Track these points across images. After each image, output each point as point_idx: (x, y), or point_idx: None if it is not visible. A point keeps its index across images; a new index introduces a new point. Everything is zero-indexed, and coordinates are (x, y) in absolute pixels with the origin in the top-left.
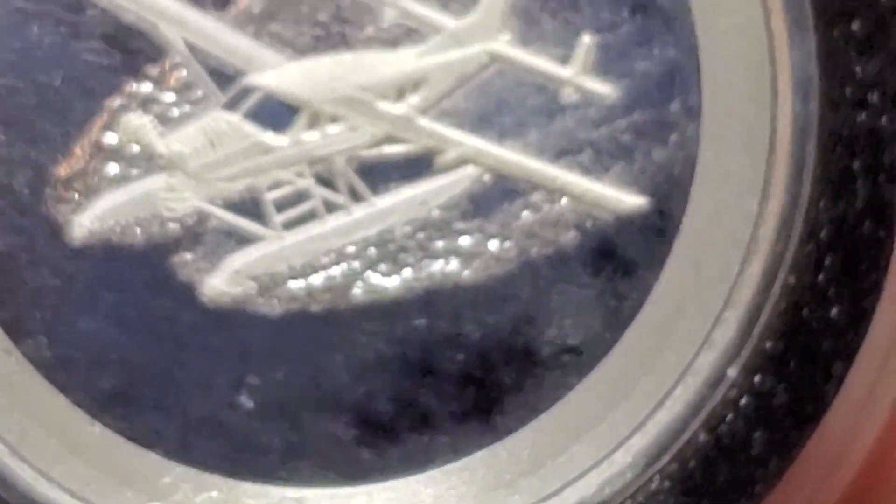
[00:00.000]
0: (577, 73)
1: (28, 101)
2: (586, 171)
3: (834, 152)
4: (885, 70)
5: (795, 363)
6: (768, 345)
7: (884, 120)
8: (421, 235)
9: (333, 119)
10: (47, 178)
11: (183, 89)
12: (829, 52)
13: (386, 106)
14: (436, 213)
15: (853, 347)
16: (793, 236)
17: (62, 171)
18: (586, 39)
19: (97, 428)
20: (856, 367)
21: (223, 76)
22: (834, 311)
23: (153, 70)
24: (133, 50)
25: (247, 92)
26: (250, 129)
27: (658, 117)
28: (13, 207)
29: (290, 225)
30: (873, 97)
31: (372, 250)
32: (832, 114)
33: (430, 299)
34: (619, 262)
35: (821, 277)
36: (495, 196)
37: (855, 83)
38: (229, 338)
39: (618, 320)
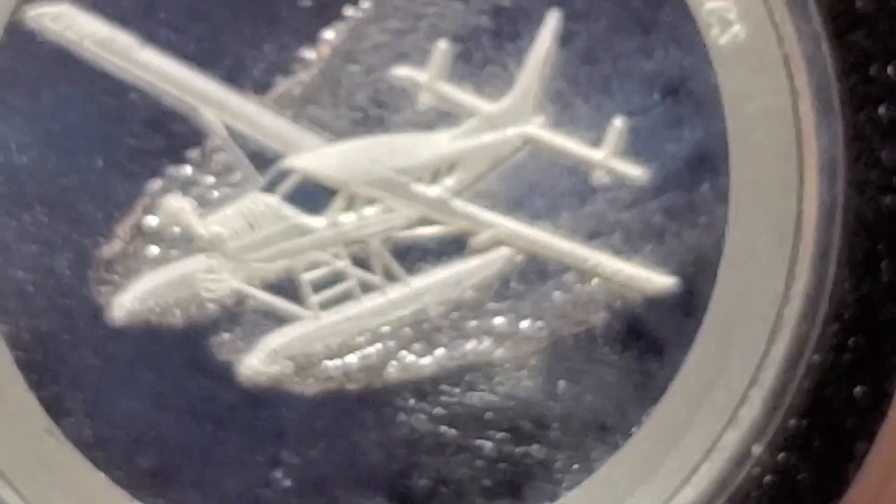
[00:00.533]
0: (609, 156)
1: (70, 184)
2: (617, 251)
3: (859, 235)
4: None
5: (819, 442)
6: (792, 423)
7: None
8: (455, 315)
9: (370, 201)
10: (89, 259)
11: (222, 172)
12: (855, 137)
13: (421, 188)
14: (469, 294)
15: (875, 427)
16: (818, 316)
17: (104, 253)
18: (618, 123)
19: None
20: (877, 447)
21: (262, 159)
22: (857, 391)
23: (193, 153)
24: (174, 133)
25: (285, 174)
26: (288, 210)
27: (687, 199)
28: (55, 289)
29: (326, 305)
30: None
31: (406, 330)
32: (857, 197)
33: (463, 377)
34: (648, 340)
35: (845, 357)
36: (527, 277)
37: (880, 167)
38: (266, 416)
39: (645, 398)
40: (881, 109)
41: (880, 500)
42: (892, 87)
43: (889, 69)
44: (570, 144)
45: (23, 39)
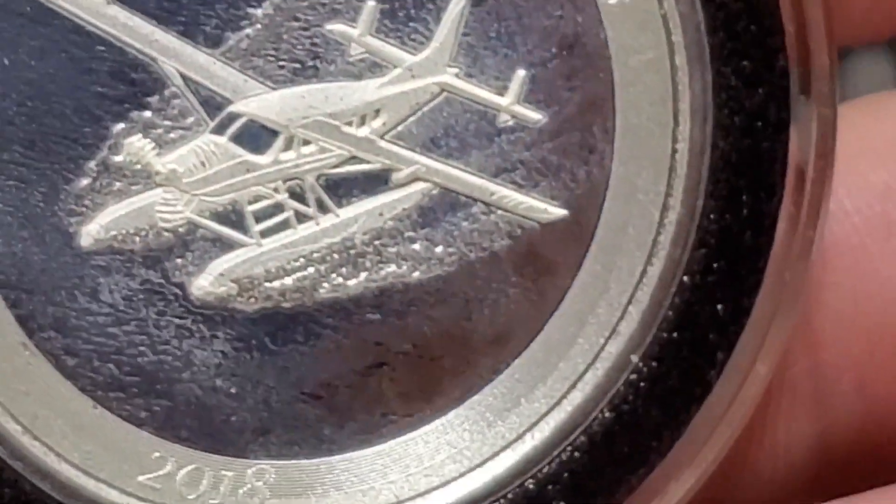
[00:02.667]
0: (513, 102)
1: (44, 126)
2: (518, 186)
3: (724, 172)
4: (768, 102)
5: (687, 352)
6: (664, 336)
7: (765, 145)
8: (377, 242)
9: (306, 142)
10: (60, 193)
11: (178, 116)
12: (722, 86)
13: (351, 130)
14: (390, 224)
15: (734, 339)
16: (688, 243)
17: (74, 187)
18: (521, 73)
19: (98, 410)
20: (735, 356)
21: (213, 105)
22: (720, 308)
23: (153, 99)
24: (136, 82)
25: (233, 118)
26: (236, 150)
27: (579, 140)
28: (29, 219)
29: (266, 234)
30: (757, 125)
31: (335, 255)
32: (723, 139)
33: (384, 297)
34: (543, 263)
35: (710, 279)
36: (441, 208)
37: (744, 113)
38: (212, 331)
39: (540, 313)
40: (745, 63)
41: (734, 406)
42: (755, 43)
43: (752, 27)
44: (479, 92)
45: None
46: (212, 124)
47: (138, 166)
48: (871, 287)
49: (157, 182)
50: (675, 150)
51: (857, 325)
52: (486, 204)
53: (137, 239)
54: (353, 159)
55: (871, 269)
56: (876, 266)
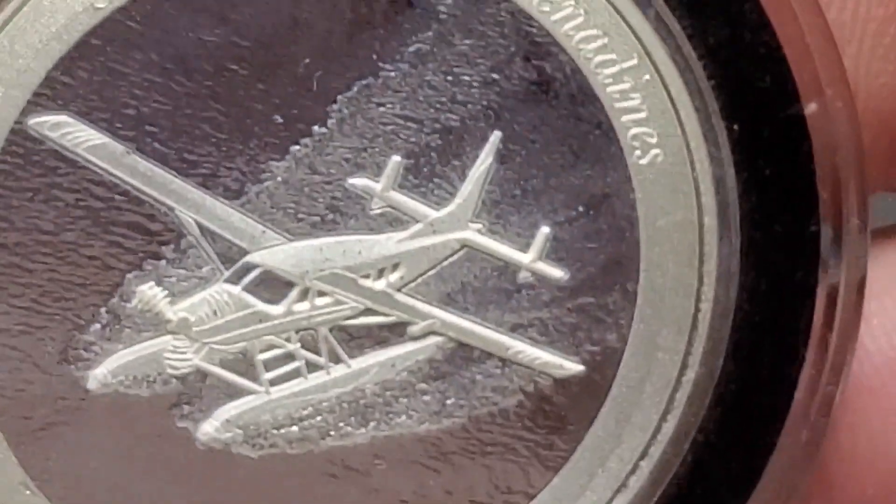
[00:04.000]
0: (534, 259)
1: (60, 274)
2: (534, 342)
3: (747, 335)
4: (797, 267)
5: None
6: (674, 492)
7: (790, 310)
8: (388, 393)
9: (321, 293)
10: (71, 339)
11: (193, 266)
12: (750, 250)
13: (367, 283)
14: (403, 375)
15: (745, 497)
16: (704, 402)
17: (84, 333)
18: (545, 230)
19: None
20: None
21: (229, 255)
22: (733, 467)
23: (168, 248)
24: (152, 231)
25: (248, 268)
26: (249, 300)
27: (599, 300)
28: (38, 365)
29: (276, 382)
30: (784, 289)
31: (345, 405)
32: (748, 302)
33: (390, 447)
34: (555, 417)
35: (724, 438)
36: (455, 362)
37: (770, 278)
38: (217, 475)
39: (548, 466)
40: (776, 227)
41: None
42: (787, 208)
43: (785, 193)
44: (501, 248)
45: (23, 145)
46: (226, 274)
47: (149, 314)
48: (889, 429)
49: (168, 330)
50: (697, 310)
51: (873, 468)
52: (501, 359)
53: (145, 385)
54: (369, 311)
55: (890, 411)
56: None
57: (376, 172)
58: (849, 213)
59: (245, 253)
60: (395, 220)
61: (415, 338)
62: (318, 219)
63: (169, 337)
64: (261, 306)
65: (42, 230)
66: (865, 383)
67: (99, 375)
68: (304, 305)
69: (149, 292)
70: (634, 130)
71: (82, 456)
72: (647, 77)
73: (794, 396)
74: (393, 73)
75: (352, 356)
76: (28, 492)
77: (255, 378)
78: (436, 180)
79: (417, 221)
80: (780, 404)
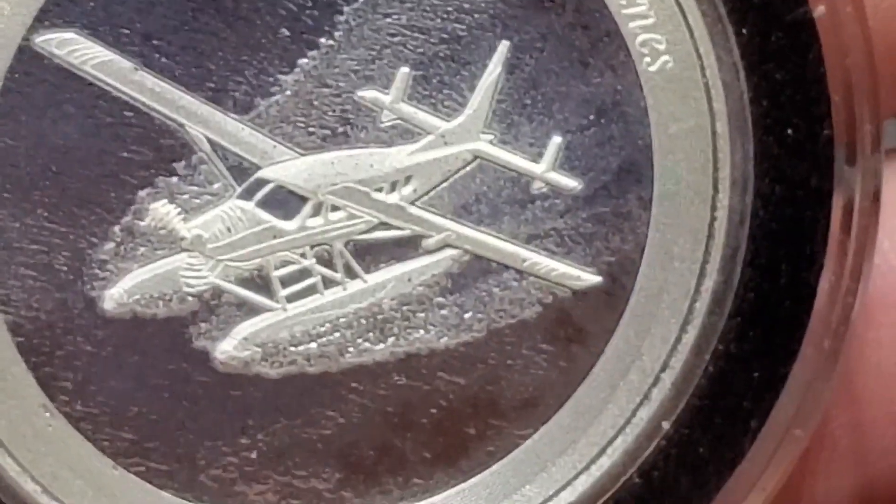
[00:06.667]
0: (547, 169)
1: (70, 191)
2: (551, 253)
3: (763, 241)
4: (811, 172)
5: (719, 419)
6: (697, 403)
7: (807, 215)
8: (405, 308)
9: (335, 207)
10: (84, 258)
11: (205, 182)
12: (764, 155)
13: (381, 196)
14: (419, 289)
15: (769, 407)
16: (724, 311)
17: (98, 252)
18: (556, 140)
19: (118, 471)
20: (769, 424)
21: (241, 170)
22: (754, 376)
23: (180, 165)
24: (163, 147)
25: (261, 184)
26: (262, 215)
27: (615, 208)
28: (53, 283)
29: (292, 299)
30: (799, 194)
31: (362, 321)
32: (764, 208)
33: (410, 363)
34: (574, 330)
35: (745, 347)
36: (471, 274)
37: (785, 182)
38: (236, 395)
39: (570, 380)
40: (788, 132)
41: (768, 471)
42: (800, 112)
43: (797, 96)
44: (513, 159)
45: (31, 62)
46: (239, 190)
47: (163, 231)
48: None
49: (182, 247)
50: (713, 219)
51: None
52: (518, 271)
53: (161, 303)
54: (383, 225)
55: None
56: None
57: (385, 84)
58: (862, 116)
59: (257, 168)
60: (406, 133)
61: (430, 251)
62: (328, 132)
63: (184, 255)
64: (274, 222)
65: (52, 148)
66: (889, 298)
67: (115, 295)
68: (317, 220)
69: (162, 209)
70: (643, 37)
71: (100, 377)
72: None
73: (814, 303)
74: None
75: (367, 271)
76: (48, 414)
77: (271, 295)
78: (445, 91)
79: (428, 133)
80: (800, 312)
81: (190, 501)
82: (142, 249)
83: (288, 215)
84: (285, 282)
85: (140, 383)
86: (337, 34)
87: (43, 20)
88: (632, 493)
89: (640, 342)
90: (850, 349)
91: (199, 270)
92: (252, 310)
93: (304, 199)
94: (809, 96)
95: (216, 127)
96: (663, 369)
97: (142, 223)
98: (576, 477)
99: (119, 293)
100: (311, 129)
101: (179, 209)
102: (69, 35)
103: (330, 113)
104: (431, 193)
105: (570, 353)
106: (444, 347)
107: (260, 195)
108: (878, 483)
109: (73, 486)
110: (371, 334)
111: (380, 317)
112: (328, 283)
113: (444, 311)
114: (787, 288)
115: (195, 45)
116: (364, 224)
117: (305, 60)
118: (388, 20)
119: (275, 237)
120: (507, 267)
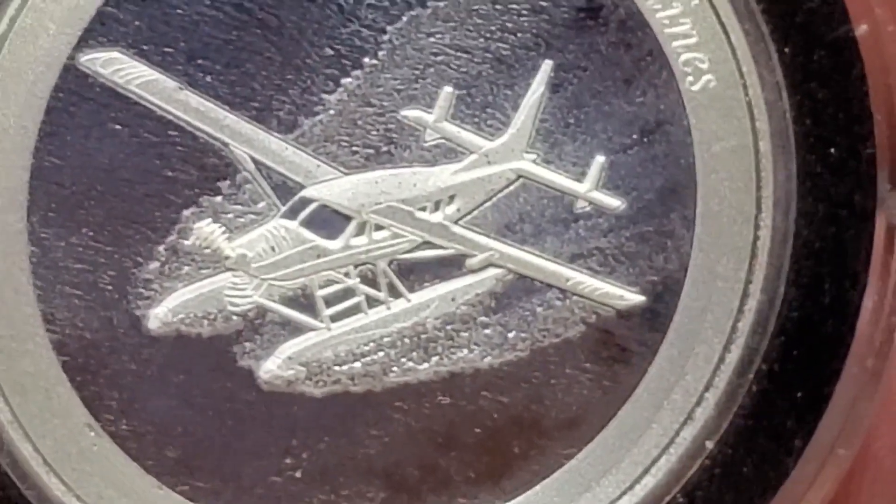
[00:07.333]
0: (591, 188)
1: (115, 210)
2: (594, 272)
3: (807, 260)
4: (854, 190)
5: (763, 439)
6: (741, 422)
7: (850, 234)
8: (449, 327)
9: (379, 227)
10: (129, 277)
11: (249, 201)
12: (807, 174)
13: (424, 216)
14: (463, 308)
15: (812, 426)
16: (767, 330)
17: (143, 271)
18: (600, 159)
19: (163, 491)
20: (813, 443)
21: (285, 189)
22: (798, 396)
23: (224, 184)
24: (207, 167)
25: (305, 203)
26: (306, 235)
27: (658, 227)
28: (98, 302)
29: (336, 318)
30: (842, 213)
31: (406, 340)
32: (807, 227)
33: (454, 382)
34: (618, 350)
35: (789, 366)
36: (515, 294)
37: (828, 201)
38: (280, 414)
39: (613, 399)
40: (831, 150)
41: (812, 490)
42: (843, 130)
43: (840, 115)
44: (557, 178)
45: (76, 82)
46: (283, 209)
47: (208, 251)
48: None
49: (227, 266)
50: (756, 238)
51: None
52: (562, 290)
53: (206, 323)
54: (426, 244)
55: None
56: None
57: (429, 104)
58: None
59: (301, 187)
60: (449, 152)
61: (474, 270)
62: (372, 151)
63: (228, 274)
64: (318, 241)
65: (97, 167)
66: None
67: (160, 314)
68: (361, 240)
69: (206, 229)
70: (685, 56)
71: (145, 396)
72: (696, 1)
73: (858, 322)
74: (442, 3)
75: (411, 290)
76: (93, 433)
77: (315, 314)
78: (489, 111)
79: (472, 152)
80: (843, 331)
81: None
82: (186, 269)
83: (332, 235)
84: (329, 301)
85: (185, 402)
86: (381, 53)
87: (88, 39)
88: None
89: (683, 362)
90: (893, 368)
91: (243, 290)
92: (296, 329)
93: (347, 219)
94: (852, 115)
95: (260, 146)
96: (707, 388)
97: (186, 242)
98: (620, 497)
99: (164, 312)
100: (354, 149)
101: (224, 228)
102: (114, 54)
103: (373, 132)
104: (475, 213)
105: (614, 373)
106: (487, 367)
107: (304, 214)
108: None
109: None
110: (415, 353)
111: (423, 336)
112: (372, 302)
113: (487, 331)
114: (830, 307)
115: (239, 64)
116: (408, 243)
117: (349, 80)
118: (432, 39)
119: (319, 256)
120: (550, 286)
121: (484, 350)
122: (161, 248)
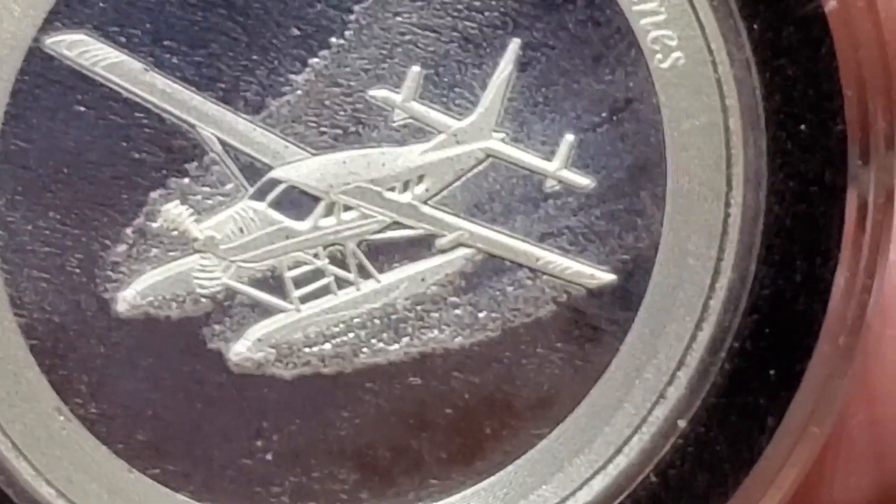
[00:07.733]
0: (560, 167)
1: (81, 193)
2: (564, 251)
3: (778, 238)
4: (825, 167)
5: (735, 417)
6: (713, 401)
7: (821, 211)
8: (419, 308)
9: (347, 207)
10: (97, 259)
11: (217, 182)
12: (777, 151)
13: (393, 196)
14: (433, 289)
15: (785, 404)
16: (739, 308)
17: (110, 254)
18: (569, 138)
19: (133, 474)
20: (786, 421)
21: (252, 171)
22: (770, 374)
23: (192, 166)
24: (174, 148)
25: (273, 184)
26: (275, 216)
27: (628, 205)
28: (66, 285)
29: (306, 299)
30: (813, 190)
31: (376, 321)
32: (778, 204)
33: (425, 362)
34: (589, 329)
35: (761, 344)
36: (485, 274)
37: (798, 178)
38: (250, 396)
39: (585, 378)
40: (801, 127)
41: (785, 468)
42: (813, 107)
43: (809, 91)
44: (526, 157)
45: (41, 64)
46: (251, 190)
47: (175, 233)
48: None
49: (195, 248)
50: (727, 215)
51: None
52: (532, 269)
53: (174, 305)
54: (396, 225)
55: None
56: None
57: (397, 83)
58: (875, 112)
59: (269, 168)
60: (417, 132)
61: (443, 250)
62: (340, 132)
63: (197, 256)
64: (287, 222)
65: (63, 150)
66: None
67: (128, 297)
68: (330, 220)
69: (174, 210)
70: (654, 33)
71: (114, 379)
72: None
73: (830, 300)
74: None
75: (381, 271)
76: (62, 417)
77: (284, 296)
78: (457, 90)
79: (440, 132)
80: (815, 308)
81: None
82: (154, 251)
83: (300, 216)
84: (298, 282)
85: (154, 385)
86: (347, 33)
87: (53, 22)
88: (649, 491)
89: (655, 340)
90: (865, 346)
91: (211, 272)
92: (265, 311)
93: (316, 199)
94: (822, 91)
95: (228, 127)
96: (679, 367)
97: (154, 225)
98: (592, 476)
99: (132, 295)
100: (322, 129)
101: (192, 210)
102: (79, 37)
103: (341, 112)
104: (444, 192)
105: (585, 352)
106: (458, 347)
107: (272, 196)
108: None
109: (87, 489)
110: (385, 334)
111: (394, 317)
112: (341, 283)
113: (458, 311)
114: (801, 284)
115: (205, 45)
116: (377, 224)
117: (316, 60)
118: (399, 19)
119: (287, 237)
120: (520, 266)
121: (454, 330)
122: (129, 230)
